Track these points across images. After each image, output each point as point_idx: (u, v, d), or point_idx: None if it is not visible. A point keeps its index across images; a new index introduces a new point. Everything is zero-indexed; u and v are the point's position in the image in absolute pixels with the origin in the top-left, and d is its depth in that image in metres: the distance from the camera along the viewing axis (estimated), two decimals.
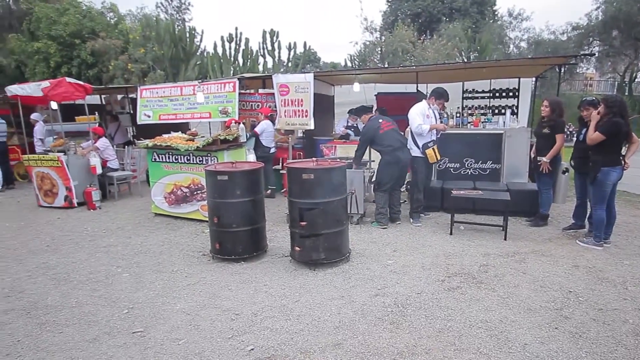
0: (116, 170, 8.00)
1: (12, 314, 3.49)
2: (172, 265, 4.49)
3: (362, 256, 4.58)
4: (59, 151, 7.39)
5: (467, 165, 6.96)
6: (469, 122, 7.61)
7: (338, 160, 5.17)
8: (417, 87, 8.68)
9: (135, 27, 22.43)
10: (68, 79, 7.45)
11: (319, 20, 68.98)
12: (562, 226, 5.43)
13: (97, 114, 9.08)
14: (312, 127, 7.01)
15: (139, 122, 7.58)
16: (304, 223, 4.12)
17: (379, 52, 22.10)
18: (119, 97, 12.35)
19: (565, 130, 5.39)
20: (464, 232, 5.39)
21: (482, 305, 3.41)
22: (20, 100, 7.97)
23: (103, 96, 12.41)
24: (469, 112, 8.21)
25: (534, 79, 8.77)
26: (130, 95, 11.52)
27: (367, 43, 23.00)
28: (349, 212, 4.79)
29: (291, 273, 4.19)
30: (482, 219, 5.79)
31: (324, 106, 9.53)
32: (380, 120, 5.63)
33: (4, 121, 9.25)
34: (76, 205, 7.22)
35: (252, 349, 2.87)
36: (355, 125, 8.56)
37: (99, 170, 7.34)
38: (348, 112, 8.59)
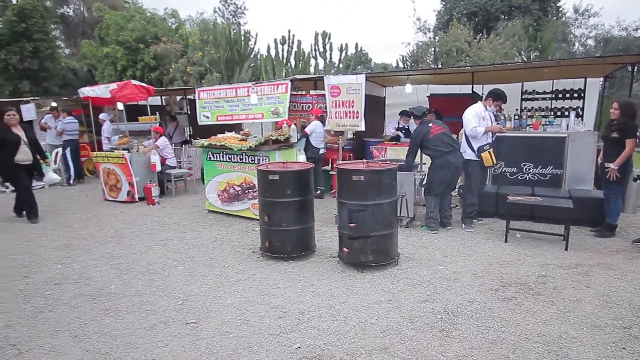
0: (174, 168, 8.41)
1: (80, 299, 3.77)
2: (223, 261, 4.64)
3: (411, 260, 4.50)
4: (123, 149, 7.89)
5: (525, 170, 6.62)
6: (528, 125, 7.23)
7: (388, 162, 5.11)
8: (472, 88, 8.40)
9: (194, 31, 23.47)
10: (133, 82, 7.94)
11: (371, 21, 68.53)
12: (632, 238, 5.02)
13: (157, 114, 9.60)
14: (362, 128, 6.98)
15: (199, 123, 7.91)
16: (353, 224, 4.11)
17: (432, 52, 21.60)
18: (178, 98, 12.97)
19: (638, 134, 4.99)
20: (520, 240, 5.14)
21: (540, 318, 3.23)
22: (91, 101, 8.59)
23: (163, 97, 13.07)
24: (529, 114, 7.82)
25: (602, 79, 8.19)
26: (188, 97, 12.06)
27: (420, 43, 22.54)
28: (398, 215, 4.72)
29: (339, 274, 4.19)
30: (541, 227, 5.49)
31: (374, 108, 9.46)
32: (430, 125, 5.51)
33: (76, 120, 10.01)
34: (137, 200, 7.67)
35: (299, 347, 2.91)
36: (406, 127, 8.42)
37: (158, 168, 7.75)
38: (400, 114, 8.46)
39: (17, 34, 21.03)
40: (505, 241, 5.04)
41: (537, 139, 6.65)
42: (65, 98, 12.79)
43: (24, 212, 6.62)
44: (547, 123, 7.31)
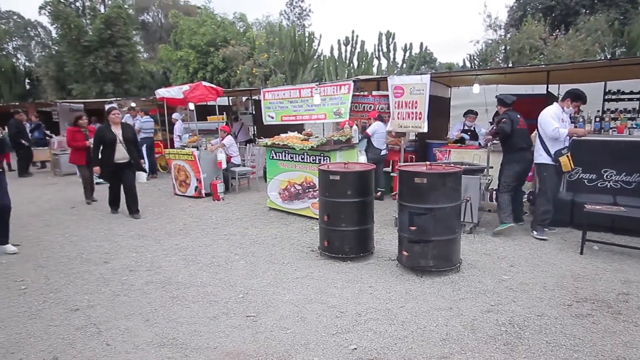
0: (238, 165, 8.74)
1: (151, 285, 4.04)
2: (283, 258, 4.75)
3: (473, 268, 4.31)
4: (192, 147, 8.34)
5: (606, 177, 6.06)
6: (612, 128, 6.63)
7: (452, 165, 4.94)
8: (547, 88, 7.87)
9: (260, 34, 24.25)
10: (204, 83, 8.38)
11: (437, 19, 66.58)
12: None
13: (225, 114, 10.04)
14: (425, 130, 6.80)
15: (264, 123, 8.16)
16: (414, 228, 4.02)
17: (503, 50, 20.52)
18: (244, 98, 13.47)
19: None
20: (598, 253, 4.73)
21: (620, 339, 2.95)
22: (165, 101, 9.18)
23: (230, 98, 13.64)
24: (612, 116, 7.16)
25: None
26: (254, 97, 12.49)
27: (490, 41, 21.53)
28: (462, 220, 4.54)
29: (397, 277, 4.12)
30: (623, 240, 5.01)
31: (439, 109, 9.17)
32: (518, 116, 5.47)
33: (152, 119, 10.75)
34: (204, 195, 8.08)
35: (355, 349, 2.90)
36: (472, 128, 8.07)
37: (224, 165, 8.10)
38: (465, 114, 8.12)
39: (103, 40, 23.01)
40: (581, 253, 4.67)
41: (622, 144, 6.06)
42: (143, 99, 13.80)
43: (120, 206, 6.88)
44: (635, 126, 6.65)
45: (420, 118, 6.77)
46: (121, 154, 6.37)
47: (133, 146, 6.59)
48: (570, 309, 3.39)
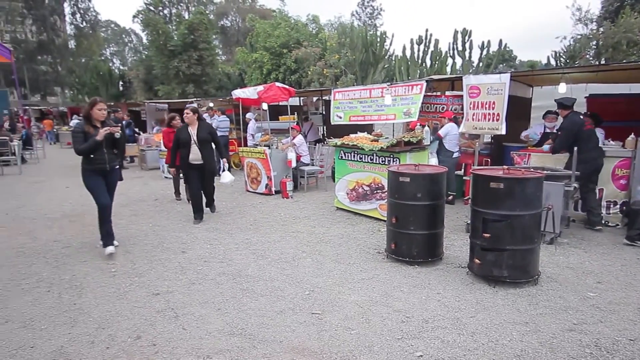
0: (307, 165, 8.90)
1: (223, 277, 4.25)
2: (349, 258, 4.75)
3: (554, 282, 4.00)
4: (264, 145, 8.64)
5: None
6: None
7: (532, 170, 4.61)
8: None
9: (332, 35, 24.47)
10: (277, 84, 8.63)
11: (518, 15, 62.60)
12: None
13: (296, 114, 10.28)
14: (503, 131, 6.41)
15: (332, 123, 8.23)
16: (488, 235, 3.82)
17: (594, 46, 18.78)
18: (314, 99, 13.67)
19: None
20: None
21: None
22: (241, 101, 9.60)
23: (301, 98, 13.93)
24: None
25: None
26: (324, 97, 12.64)
27: (579, 37, 19.82)
28: (542, 229, 4.23)
29: (467, 286, 3.94)
30: None
31: (518, 109, 8.61)
32: (582, 117, 5.50)
33: (228, 119, 11.31)
34: (274, 193, 8.33)
35: (421, 356, 2.82)
36: (554, 130, 7.45)
37: (293, 164, 8.29)
38: (544, 115, 7.52)
39: (186, 44, 24.64)
40: None
41: None
42: (220, 99, 14.56)
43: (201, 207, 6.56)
44: None
45: (497, 119, 6.40)
46: (195, 154, 6.13)
47: (209, 146, 6.30)
48: None
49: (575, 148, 5.13)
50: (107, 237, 4.96)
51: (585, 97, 8.23)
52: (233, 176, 6.73)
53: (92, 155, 4.62)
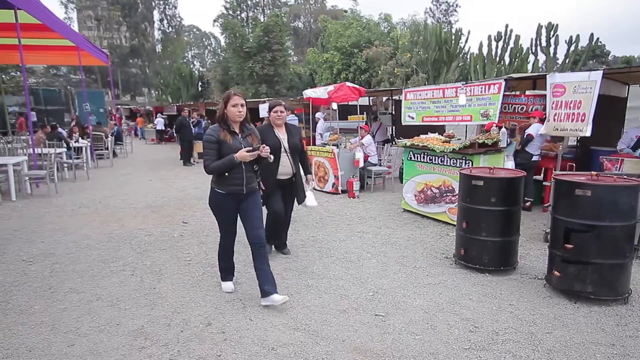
0: (375, 165, 8.83)
1: (289, 272, 4.35)
2: (415, 261, 4.64)
3: None
4: (333, 144, 8.71)
5: None
6: None
7: (625, 177, 4.17)
8: None
9: (404, 33, 24.03)
10: (348, 84, 8.65)
11: (612, 7, 56.85)
12: None
13: (365, 113, 10.24)
14: (587, 133, 5.85)
15: (403, 123, 8.09)
16: (570, 246, 3.52)
17: None
18: (384, 98, 13.51)
19: None
20: None
21: None
22: (311, 101, 9.77)
23: (370, 98, 13.84)
24: None
25: None
26: (394, 97, 12.44)
27: None
28: (635, 243, 3.81)
29: (544, 299, 3.67)
30: None
31: (610, 110, 7.82)
32: None
33: (296, 118, 11.57)
34: (340, 192, 8.37)
35: None
36: None
37: (361, 164, 8.27)
38: None
39: (261, 46, 25.58)
40: None
41: None
42: (291, 99, 14.92)
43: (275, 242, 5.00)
44: None
45: (583, 120, 5.86)
46: (285, 167, 4.55)
47: (297, 157, 4.76)
48: None
49: None
50: (227, 270, 3.96)
51: None
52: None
53: (226, 173, 3.45)
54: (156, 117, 23.65)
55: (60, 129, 12.30)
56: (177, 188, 9.21)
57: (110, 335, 3.12)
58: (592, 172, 3.76)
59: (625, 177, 4.24)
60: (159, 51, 47.64)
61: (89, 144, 12.74)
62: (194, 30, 60.30)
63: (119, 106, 28.25)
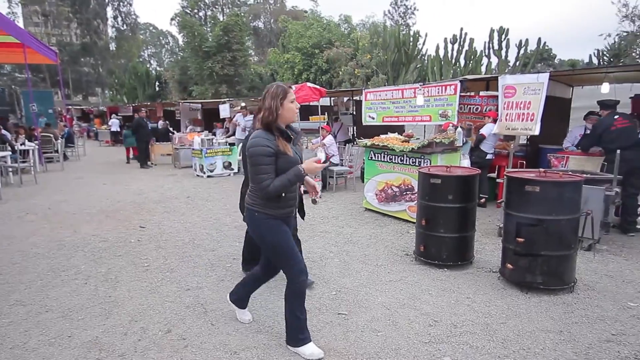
0: (336, 165, 8.89)
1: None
2: (376, 259, 4.71)
3: (591, 290, 3.82)
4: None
5: None
6: None
7: (570, 173, 4.43)
8: None
9: (364, 35, 24.37)
10: (309, 84, 8.67)
11: (558, 13, 60.32)
12: None
13: (326, 114, 10.29)
14: (536, 132, 6.18)
15: (364, 123, 8.19)
16: (521, 240, 3.70)
17: None
18: (345, 99, 13.65)
19: None
20: None
21: None
22: None
23: (332, 98, 13.93)
24: None
25: None
26: (355, 98, 12.59)
27: (625, 34, 18.89)
28: (579, 235, 4.05)
29: (498, 291, 3.83)
30: None
31: (556, 110, 8.28)
32: (616, 117, 5.49)
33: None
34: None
35: None
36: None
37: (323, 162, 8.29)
38: (585, 116, 7.22)
39: (221, 45, 25.13)
40: None
41: None
42: (252, 99, 14.76)
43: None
44: None
45: (532, 119, 6.17)
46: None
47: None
48: None
49: (618, 151, 4.90)
50: (243, 301, 3.32)
51: (631, 97, 7.83)
52: None
53: (283, 194, 2.68)
54: (110, 118, 22.69)
55: (4, 131, 11.54)
56: (133, 191, 8.88)
57: (61, 348, 2.97)
58: (541, 169, 3.97)
59: (570, 173, 4.51)
60: (113, 49, 45.77)
61: (37, 146, 12.05)
62: (151, 28, 58.35)
63: (70, 107, 26.88)
